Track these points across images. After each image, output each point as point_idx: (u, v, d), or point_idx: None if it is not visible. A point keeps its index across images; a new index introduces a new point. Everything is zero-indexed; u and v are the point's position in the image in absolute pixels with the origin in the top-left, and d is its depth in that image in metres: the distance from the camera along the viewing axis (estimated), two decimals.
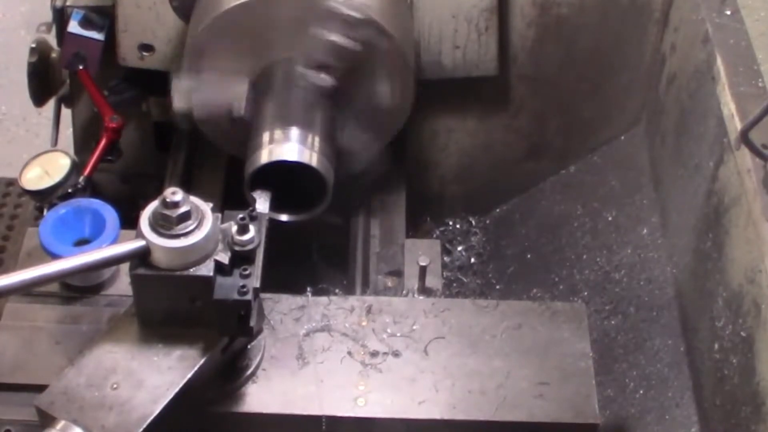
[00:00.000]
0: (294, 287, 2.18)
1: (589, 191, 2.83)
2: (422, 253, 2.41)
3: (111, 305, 2.11)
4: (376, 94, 2.41)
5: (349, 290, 2.40)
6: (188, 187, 2.01)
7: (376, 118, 2.44)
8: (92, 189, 2.50)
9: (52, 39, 2.76)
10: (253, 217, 1.89)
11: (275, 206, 2.19)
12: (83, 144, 2.86)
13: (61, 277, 1.99)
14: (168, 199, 1.81)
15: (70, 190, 2.42)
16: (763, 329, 1.91)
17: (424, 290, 2.37)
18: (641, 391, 2.32)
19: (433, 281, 2.40)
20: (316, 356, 2.04)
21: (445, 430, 1.98)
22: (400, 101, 2.43)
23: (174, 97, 2.46)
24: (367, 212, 2.64)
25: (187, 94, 2.42)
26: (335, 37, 2.29)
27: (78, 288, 2.14)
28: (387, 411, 1.97)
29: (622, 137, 2.85)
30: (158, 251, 1.82)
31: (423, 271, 2.36)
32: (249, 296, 1.84)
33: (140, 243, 1.83)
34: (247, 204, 2.16)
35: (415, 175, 2.89)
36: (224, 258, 1.85)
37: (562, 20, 2.68)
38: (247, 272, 1.86)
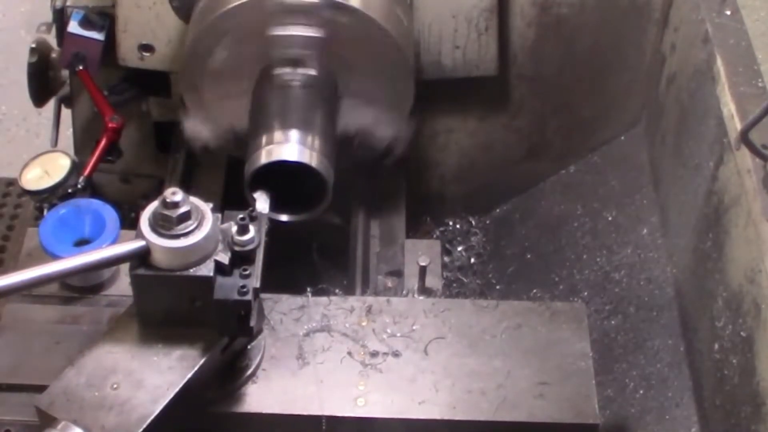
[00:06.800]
0: (294, 287, 2.18)
1: (589, 191, 2.83)
2: (422, 253, 2.41)
3: (111, 305, 2.12)
4: (377, 95, 2.40)
5: (349, 290, 2.40)
6: (188, 187, 2.00)
7: (377, 117, 2.44)
8: (92, 189, 2.50)
9: (52, 39, 2.76)
10: (253, 218, 1.89)
11: (275, 206, 2.18)
12: (83, 144, 2.85)
13: (61, 277, 1.99)
14: (168, 199, 1.81)
15: (70, 191, 2.42)
16: (763, 329, 1.91)
17: (424, 290, 2.37)
18: (641, 391, 2.32)
19: (433, 281, 2.40)
20: (316, 356, 2.04)
21: (445, 430, 1.98)
22: (400, 101, 2.43)
23: (186, 130, 2.49)
24: (367, 212, 2.64)
25: (197, 128, 2.46)
26: (295, 31, 2.29)
27: (78, 288, 2.14)
28: (387, 411, 1.97)
29: (622, 137, 2.85)
30: (158, 251, 1.83)
31: (423, 271, 2.36)
32: (249, 296, 1.84)
33: (140, 243, 1.83)
34: (247, 204, 2.16)
35: (415, 175, 2.89)
36: (224, 258, 1.85)
37: (562, 20, 2.67)
38: (247, 272, 1.86)
